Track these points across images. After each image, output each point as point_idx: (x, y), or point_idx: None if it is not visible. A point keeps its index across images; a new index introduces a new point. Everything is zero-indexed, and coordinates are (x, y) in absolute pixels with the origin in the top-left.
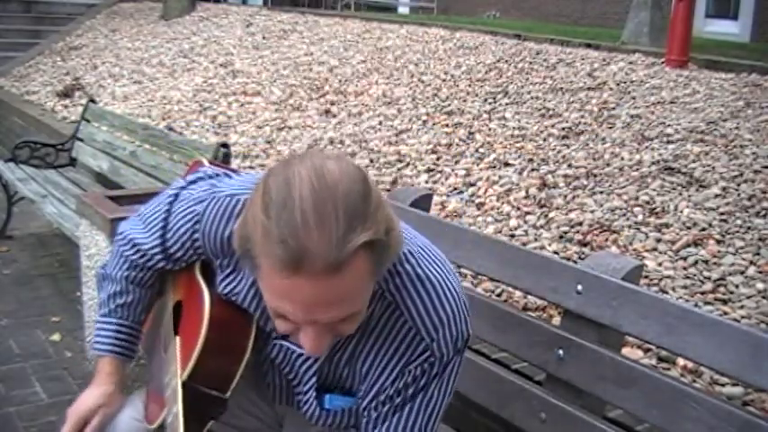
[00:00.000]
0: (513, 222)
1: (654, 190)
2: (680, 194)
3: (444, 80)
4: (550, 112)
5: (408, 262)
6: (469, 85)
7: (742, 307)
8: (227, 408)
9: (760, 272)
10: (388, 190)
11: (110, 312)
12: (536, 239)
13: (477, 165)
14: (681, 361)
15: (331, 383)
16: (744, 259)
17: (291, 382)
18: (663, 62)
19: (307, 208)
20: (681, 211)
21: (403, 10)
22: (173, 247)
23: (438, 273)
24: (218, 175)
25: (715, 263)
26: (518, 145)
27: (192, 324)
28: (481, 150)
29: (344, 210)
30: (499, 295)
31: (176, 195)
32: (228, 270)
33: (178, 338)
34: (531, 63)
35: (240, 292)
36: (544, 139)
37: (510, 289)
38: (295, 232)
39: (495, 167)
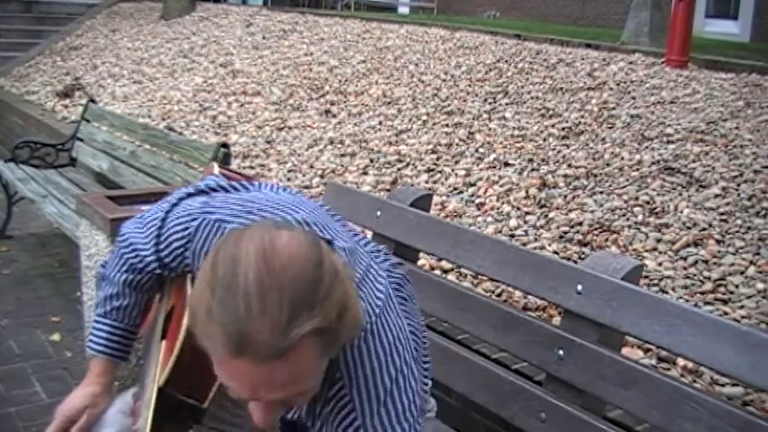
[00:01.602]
0: (513, 222)
1: (654, 190)
2: (680, 194)
3: (444, 80)
4: (550, 112)
5: (366, 340)
6: (469, 85)
7: (742, 307)
8: (210, 415)
9: (760, 272)
10: (388, 190)
11: (105, 314)
12: (536, 239)
13: (477, 165)
14: (681, 361)
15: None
16: (744, 259)
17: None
18: (663, 62)
19: (251, 294)
20: (681, 211)
21: (403, 10)
22: (167, 257)
23: (393, 360)
24: (222, 188)
25: (715, 263)
26: (518, 145)
27: (176, 330)
28: (481, 150)
29: (290, 298)
30: (499, 295)
31: (174, 205)
32: None
33: (163, 343)
34: (531, 63)
35: None
36: (544, 139)
37: (510, 289)
38: (237, 319)
39: (495, 167)
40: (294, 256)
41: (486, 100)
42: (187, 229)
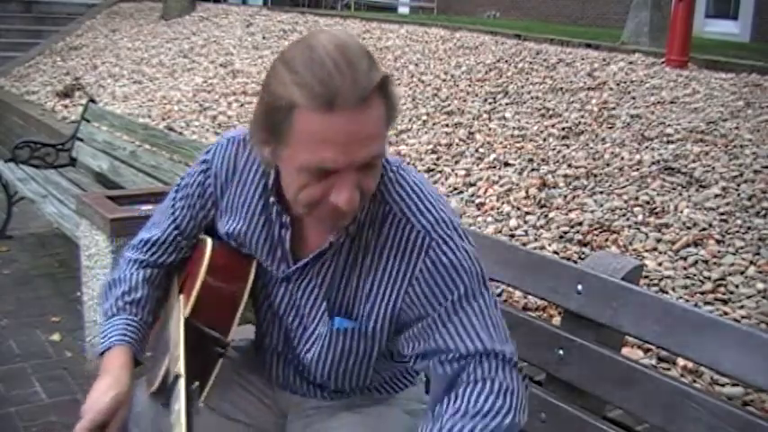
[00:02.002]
0: (513, 222)
1: (654, 190)
2: (680, 194)
3: (444, 80)
4: (550, 112)
5: (401, 174)
6: (469, 85)
7: (742, 307)
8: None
9: (760, 272)
10: None
11: (118, 311)
12: (536, 239)
13: (477, 165)
14: (681, 361)
15: (337, 313)
16: (744, 259)
17: (294, 337)
18: (663, 62)
19: (335, 55)
20: (681, 211)
21: (403, 10)
22: (180, 213)
23: (423, 183)
24: None
25: (715, 263)
26: (518, 145)
27: (195, 274)
28: (481, 150)
29: (364, 54)
30: (499, 295)
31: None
32: (233, 206)
33: (181, 297)
34: (531, 63)
35: (244, 229)
36: (544, 139)
37: (510, 289)
38: (328, 73)
39: (495, 167)
40: (347, 35)
41: (486, 100)
42: (202, 160)
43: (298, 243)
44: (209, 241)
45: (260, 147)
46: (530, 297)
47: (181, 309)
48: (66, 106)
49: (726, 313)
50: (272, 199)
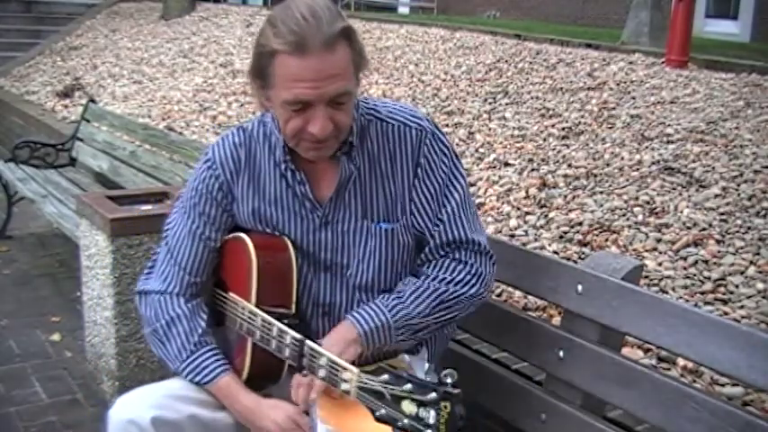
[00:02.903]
0: (513, 222)
1: (654, 190)
2: (680, 194)
3: (444, 80)
4: (550, 112)
5: (369, 101)
6: (469, 85)
7: (742, 307)
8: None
9: (760, 272)
10: None
11: (196, 346)
12: (536, 239)
13: (477, 165)
14: (681, 361)
15: (377, 223)
16: (744, 259)
17: (340, 265)
18: (663, 62)
19: (303, 10)
20: (681, 211)
21: (403, 10)
22: (201, 220)
23: (386, 100)
24: None
25: (715, 263)
26: (518, 145)
27: (239, 268)
28: (481, 150)
29: (328, 8)
30: (499, 295)
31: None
32: (249, 188)
33: (230, 294)
34: (531, 63)
35: (263, 205)
36: (544, 139)
37: (510, 289)
38: (297, 23)
39: (495, 167)
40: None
41: (486, 100)
42: (207, 161)
43: (317, 193)
44: (239, 234)
45: (258, 93)
46: (530, 297)
47: (239, 302)
48: (66, 106)
49: (726, 313)
50: (286, 157)
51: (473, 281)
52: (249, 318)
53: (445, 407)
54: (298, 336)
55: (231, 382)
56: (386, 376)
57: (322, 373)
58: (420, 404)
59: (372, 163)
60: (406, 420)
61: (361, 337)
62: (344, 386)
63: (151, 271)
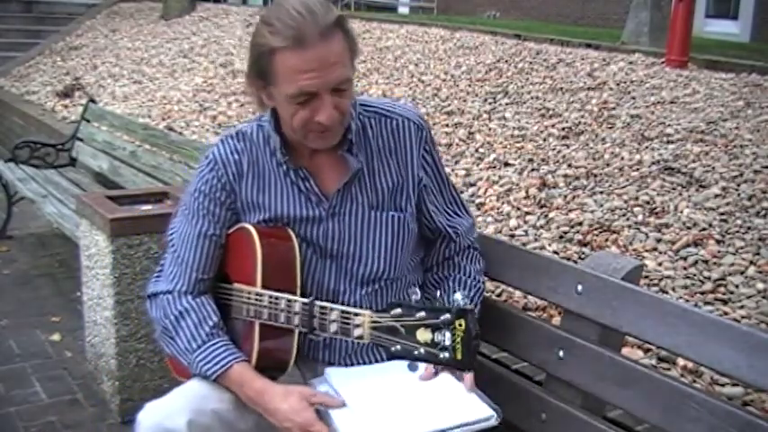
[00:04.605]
0: (513, 222)
1: (654, 190)
2: (680, 194)
3: (444, 80)
4: (550, 112)
5: (364, 100)
6: (469, 85)
7: (742, 307)
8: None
9: (760, 272)
10: None
11: (207, 337)
12: (536, 239)
13: (477, 165)
14: (681, 361)
15: (385, 212)
16: (744, 259)
17: (347, 256)
18: (663, 62)
19: (296, 5)
20: (681, 211)
21: (403, 10)
22: (206, 218)
23: (379, 98)
24: None
25: (715, 263)
26: (518, 145)
27: (244, 257)
28: (481, 150)
29: (319, 1)
30: (499, 295)
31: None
32: (254, 187)
33: (235, 284)
34: (531, 63)
35: (268, 201)
36: (544, 139)
37: (510, 289)
38: (293, 19)
39: (495, 167)
40: None
41: (486, 100)
42: (209, 161)
43: (322, 186)
44: (243, 224)
45: (257, 93)
46: (530, 297)
47: (245, 288)
48: (66, 106)
49: (726, 313)
50: (285, 157)
51: (482, 265)
52: (256, 299)
53: (460, 325)
54: (306, 300)
55: (244, 370)
56: (398, 309)
57: (333, 327)
58: (435, 329)
59: (377, 155)
60: (422, 350)
61: None
62: (357, 331)
63: (159, 276)
